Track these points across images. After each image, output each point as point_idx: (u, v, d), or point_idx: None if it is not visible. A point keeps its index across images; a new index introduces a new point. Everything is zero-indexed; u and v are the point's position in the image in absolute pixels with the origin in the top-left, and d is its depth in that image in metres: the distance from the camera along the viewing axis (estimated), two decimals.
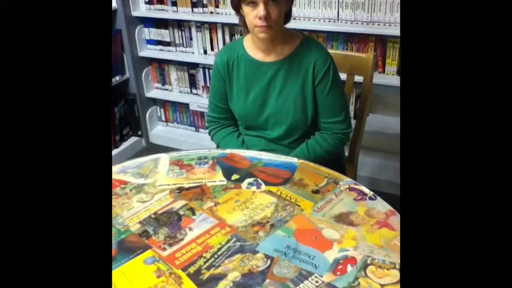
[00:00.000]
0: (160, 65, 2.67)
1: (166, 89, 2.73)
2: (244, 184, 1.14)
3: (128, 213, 1.06)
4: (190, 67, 2.58)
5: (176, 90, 2.70)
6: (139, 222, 1.02)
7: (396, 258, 0.88)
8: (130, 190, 1.14)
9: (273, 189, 1.11)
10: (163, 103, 2.80)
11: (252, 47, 1.38)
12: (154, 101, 2.81)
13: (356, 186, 1.10)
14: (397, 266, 0.86)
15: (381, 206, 1.03)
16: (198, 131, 2.77)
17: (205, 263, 0.89)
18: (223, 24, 2.37)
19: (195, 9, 2.39)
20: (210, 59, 2.43)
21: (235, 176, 1.17)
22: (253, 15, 1.24)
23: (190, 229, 0.99)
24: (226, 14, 2.32)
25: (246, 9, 1.26)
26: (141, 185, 1.16)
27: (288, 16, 1.35)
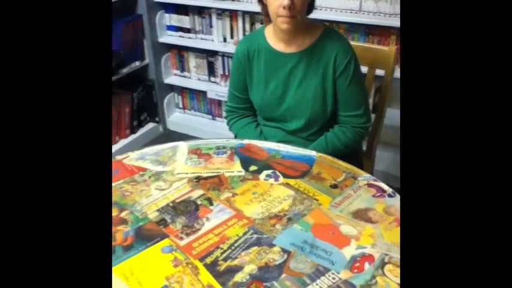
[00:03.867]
0: (180, 51, 2.67)
1: (185, 76, 2.73)
2: (262, 176, 1.14)
3: (146, 200, 1.06)
4: (209, 55, 2.57)
5: (195, 78, 2.69)
6: (158, 210, 1.03)
7: None
8: (149, 177, 1.15)
9: (291, 182, 1.11)
10: (181, 90, 2.81)
11: (273, 38, 1.37)
12: (172, 88, 2.82)
13: (375, 183, 1.09)
14: None
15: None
16: (214, 120, 2.77)
17: (222, 254, 0.90)
18: (244, 12, 2.35)
19: None
20: (229, 47, 2.42)
21: (253, 167, 1.17)
22: (277, 4, 1.22)
23: (207, 219, 1.00)
24: (248, 2, 2.30)
25: None
26: (159, 173, 1.17)
27: (310, 6, 1.33)
